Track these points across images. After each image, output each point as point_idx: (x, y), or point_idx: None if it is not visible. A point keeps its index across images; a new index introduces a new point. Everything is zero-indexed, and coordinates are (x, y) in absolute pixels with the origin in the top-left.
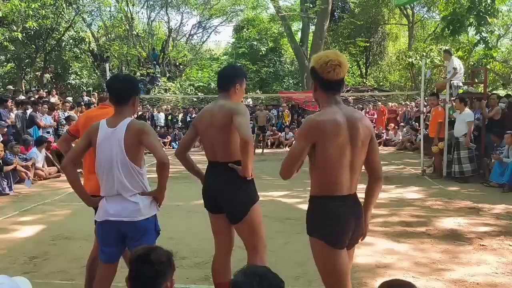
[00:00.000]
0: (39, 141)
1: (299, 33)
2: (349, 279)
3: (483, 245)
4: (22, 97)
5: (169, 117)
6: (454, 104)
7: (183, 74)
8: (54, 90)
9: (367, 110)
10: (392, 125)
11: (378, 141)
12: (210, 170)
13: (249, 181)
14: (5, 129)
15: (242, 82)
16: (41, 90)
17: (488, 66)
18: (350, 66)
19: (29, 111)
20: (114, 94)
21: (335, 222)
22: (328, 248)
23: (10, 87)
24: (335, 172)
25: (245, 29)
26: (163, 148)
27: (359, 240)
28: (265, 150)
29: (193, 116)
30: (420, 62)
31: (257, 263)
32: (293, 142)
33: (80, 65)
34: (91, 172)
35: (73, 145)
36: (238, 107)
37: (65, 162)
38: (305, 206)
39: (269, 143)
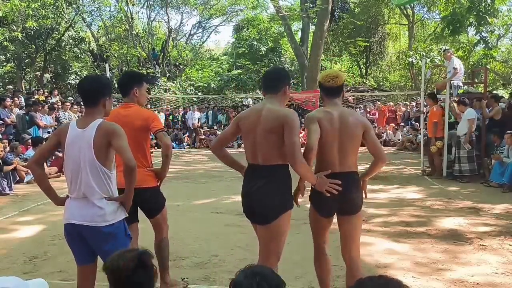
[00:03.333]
0: (36, 141)
1: (299, 33)
2: (322, 237)
3: (483, 245)
4: (22, 98)
5: (170, 117)
6: (453, 106)
7: (183, 74)
8: (56, 90)
9: (368, 110)
10: (392, 125)
11: (379, 141)
12: (248, 173)
13: (286, 187)
14: (3, 129)
15: (289, 84)
16: (41, 90)
17: (488, 66)
18: (350, 66)
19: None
20: (82, 95)
21: (319, 195)
22: (316, 214)
23: (10, 87)
24: (327, 154)
25: (245, 29)
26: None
27: (357, 209)
28: None
29: (193, 115)
30: (420, 62)
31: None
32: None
33: (80, 65)
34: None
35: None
36: (290, 114)
37: (30, 161)
38: (304, 207)
39: None
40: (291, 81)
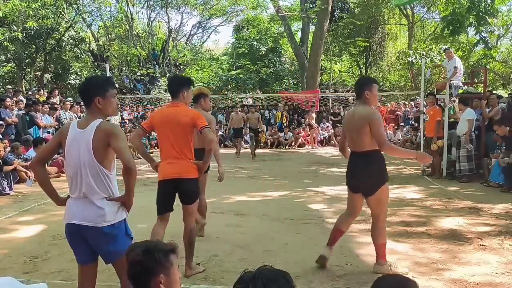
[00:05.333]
0: (37, 142)
1: (299, 33)
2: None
3: (483, 245)
4: (22, 97)
5: None
6: (455, 104)
7: (183, 74)
8: (56, 91)
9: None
10: (392, 125)
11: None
12: (350, 158)
13: (380, 166)
14: (2, 129)
15: (371, 88)
16: (41, 90)
17: (488, 66)
18: (350, 66)
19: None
20: (79, 96)
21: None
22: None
23: (9, 87)
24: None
25: (245, 29)
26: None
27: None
28: (264, 150)
29: None
30: (419, 62)
31: (377, 229)
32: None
33: (80, 65)
34: (162, 159)
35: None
36: (373, 113)
37: (33, 161)
38: (305, 207)
39: (269, 143)
40: (374, 83)
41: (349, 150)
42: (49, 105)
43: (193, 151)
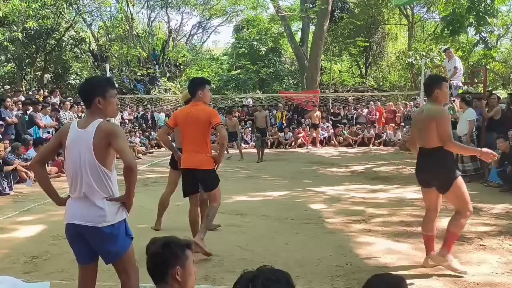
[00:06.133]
0: (37, 142)
1: (299, 33)
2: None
3: (483, 245)
4: (21, 97)
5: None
6: (455, 104)
7: (183, 74)
8: (57, 91)
9: (370, 109)
10: (392, 125)
11: (378, 141)
12: (419, 154)
13: (449, 161)
14: (2, 129)
15: (441, 86)
16: (41, 91)
17: (487, 66)
18: (350, 66)
19: (29, 111)
20: (80, 96)
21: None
22: None
23: (7, 87)
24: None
25: (245, 29)
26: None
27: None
28: (265, 150)
29: None
30: (419, 62)
31: (457, 220)
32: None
33: (80, 65)
34: (185, 151)
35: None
36: (441, 111)
37: (32, 161)
38: (305, 206)
39: (268, 143)
40: (443, 82)
41: (418, 146)
42: (51, 106)
43: (210, 146)
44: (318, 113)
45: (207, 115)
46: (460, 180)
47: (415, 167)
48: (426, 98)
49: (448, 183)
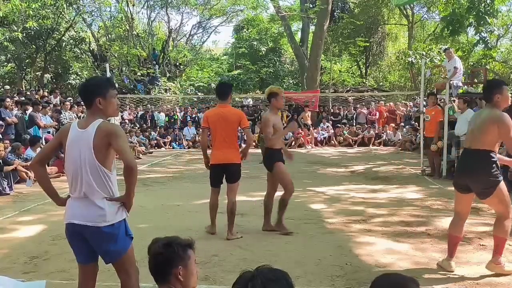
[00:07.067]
0: (33, 141)
1: (299, 33)
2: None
3: (483, 245)
4: (22, 98)
5: (175, 117)
6: (454, 104)
7: (183, 74)
8: (57, 91)
9: (370, 109)
10: (392, 125)
11: (378, 141)
12: (462, 155)
13: (492, 166)
14: (2, 129)
15: (502, 90)
16: (41, 91)
17: (487, 66)
18: (350, 66)
19: (29, 111)
20: (80, 97)
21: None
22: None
23: (7, 87)
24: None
25: (245, 29)
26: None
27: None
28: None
29: (193, 115)
30: (419, 62)
31: (501, 224)
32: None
33: (80, 65)
34: (215, 148)
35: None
36: (503, 116)
37: (33, 161)
38: (305, 206)
39: None
40: (504, 86)
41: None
42: (52, 107)
43: (237, 141)
44: (309, 112)
45: (237, 116)
46: (503, 184)
47: (455, 170)
48: (485, 104)
49: (491, 189)
